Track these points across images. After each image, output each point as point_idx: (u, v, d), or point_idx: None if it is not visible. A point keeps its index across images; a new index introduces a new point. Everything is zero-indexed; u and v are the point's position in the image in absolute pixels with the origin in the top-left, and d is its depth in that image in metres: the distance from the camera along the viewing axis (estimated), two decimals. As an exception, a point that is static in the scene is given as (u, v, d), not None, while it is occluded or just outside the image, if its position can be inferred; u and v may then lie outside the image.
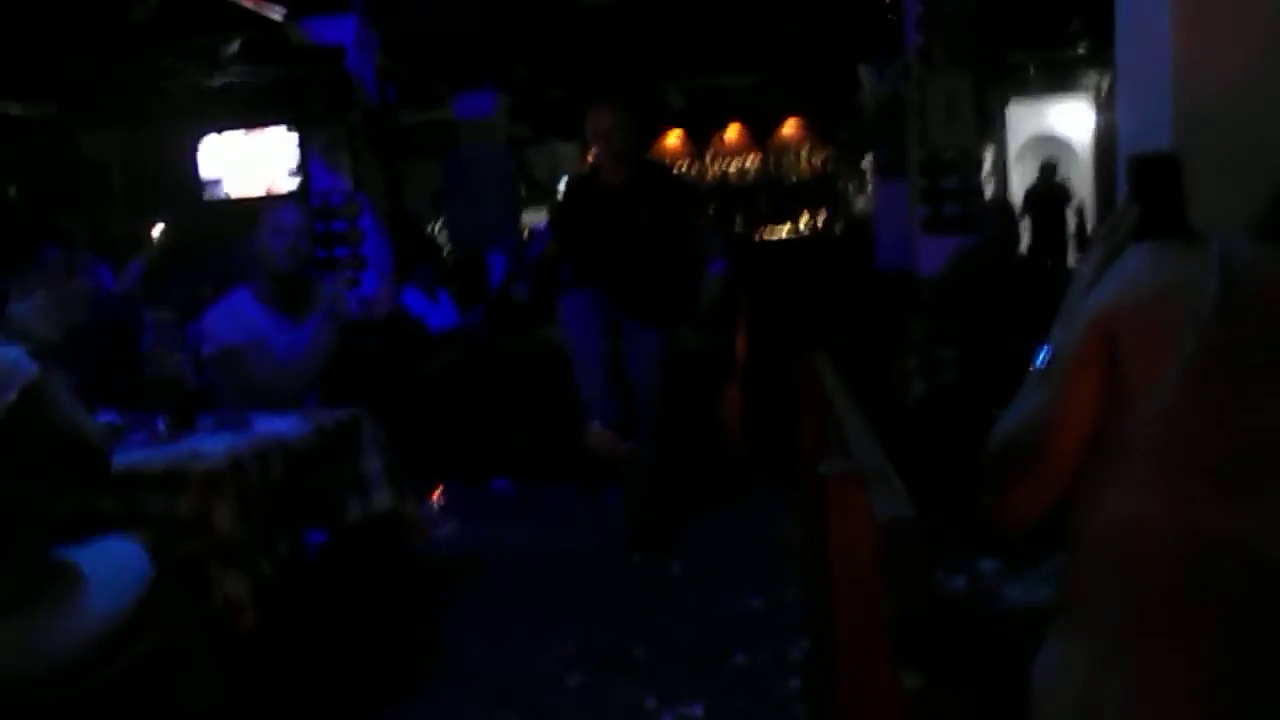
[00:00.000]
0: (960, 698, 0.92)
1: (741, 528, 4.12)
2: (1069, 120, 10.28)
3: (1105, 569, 1.05)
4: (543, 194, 12.44)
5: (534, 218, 11.61)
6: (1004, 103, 9.59)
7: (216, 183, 8.03)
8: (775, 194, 11.69)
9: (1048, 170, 9.54)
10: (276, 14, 5.94)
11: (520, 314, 5.71)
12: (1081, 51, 8.29)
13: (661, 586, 3.66)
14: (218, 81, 7.64)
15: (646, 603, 3.50)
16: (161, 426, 2.49)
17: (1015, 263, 4.63)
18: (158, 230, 5.28)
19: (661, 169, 7.01)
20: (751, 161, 11.79)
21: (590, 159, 4.02)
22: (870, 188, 9.06)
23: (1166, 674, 0.99)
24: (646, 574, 3.79)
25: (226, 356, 3.01)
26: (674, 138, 11.97)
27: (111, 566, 1.98)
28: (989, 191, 9.07)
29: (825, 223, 10.46)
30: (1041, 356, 1.21)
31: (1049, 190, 9.47)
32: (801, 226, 10.42)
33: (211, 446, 2.32)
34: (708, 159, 12.00)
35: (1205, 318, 0.96)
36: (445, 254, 9.28)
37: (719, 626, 3.23)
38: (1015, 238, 4.84)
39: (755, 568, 3.64)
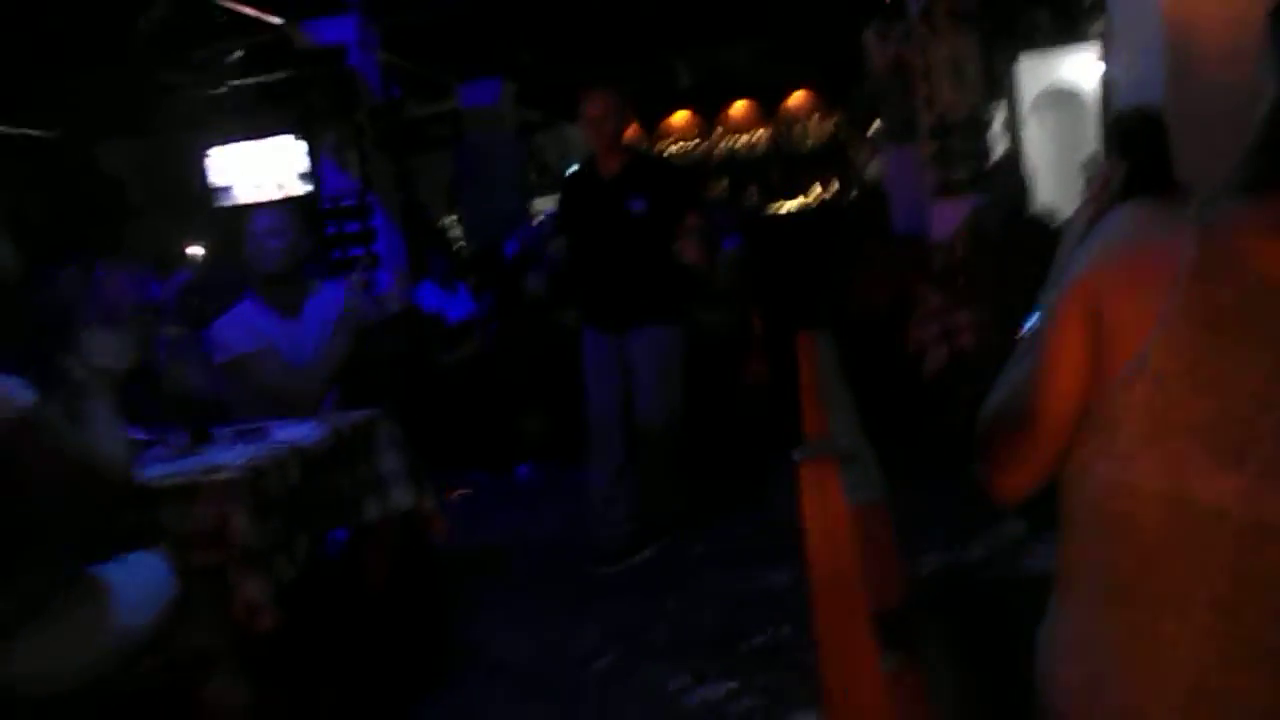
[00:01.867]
0: (949, 678, 0.92)
1: (761, 504, 4.13)
2: (1082, 71, 10.09)
3: (1097, 536, 1.04)
4: (553, 179, 12.44)
5: (545, 203, 11.62)
6: (1014, 58, 9.43)
7: (228, 190, 8.08)
8: (786, 166, 11.62)
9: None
10: (277, 19, 5.97)
11: (533, 303, 5.73)
12: (1092, -1, 8.13)
13: (683, 568, 3.69)
14: (223, 89, 7.69)
15: (669, 584, 3.53)
16: (180, 440, 2.53)
17: (1028, 221, 4.58)
18: (194, 248, 5.34)
19: (655, 158, 6.91)
20: (760, 135, 11.72)
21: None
22: (881, 154, 8.97)
23: (1160, 640, 0.99)
24: (668, 556, 3.81)
25: (239, 365, 3.04)
26: (681, 116, 11.91)
27: (137, 580, 2.02)
28: (1003, 150, 8.95)
29: (838, 192, 10.38)
30: (1031, 322, 1.20)
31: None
32: (813, 197, 10.35)
33: (229, 458, 2.35)
34: (716, 135, 11.94)
35: (1183, 280, 0.94)
36: (460, 245, 9.31)
37: (742, 605, 3.25)
38: (1025, 197, 4.77)
39: (775, 544, 3.65)
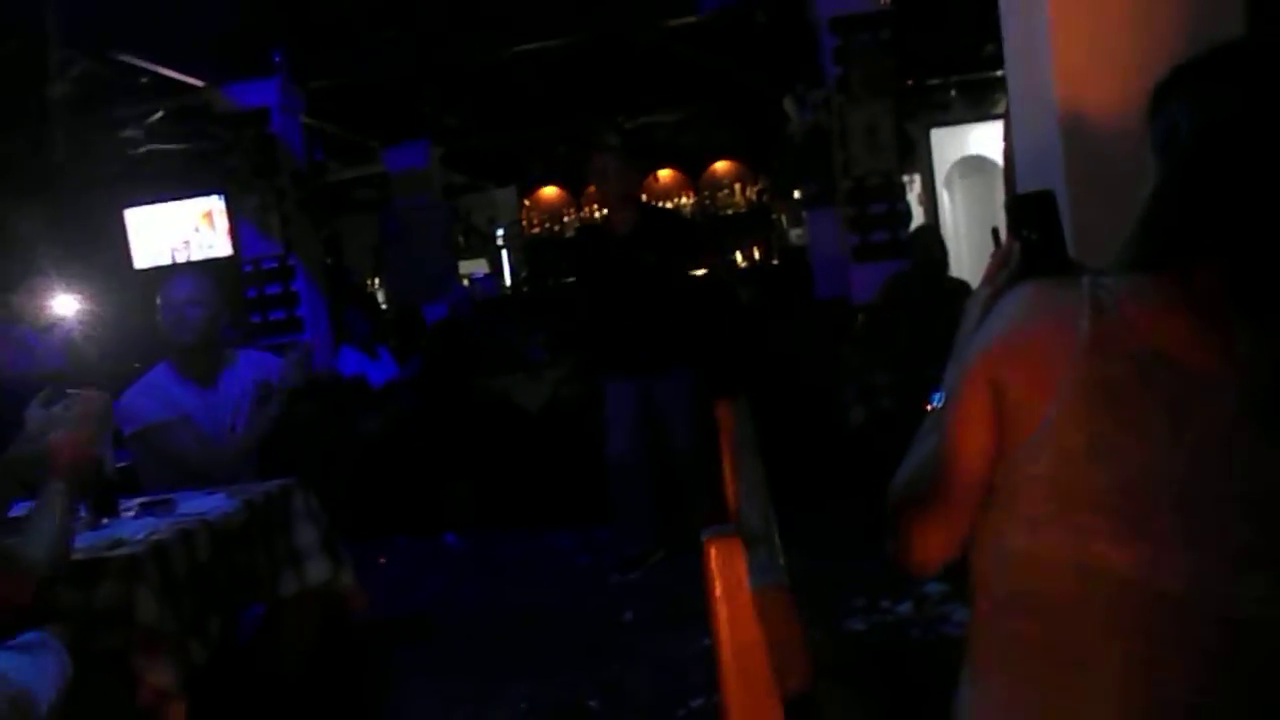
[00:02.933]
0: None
1: (689, 569, 4.11)
2: (991, 142, 10.51)
3: (1007, 605, 1.06)
4: (482, 242, 12.45)
5: (473, 266, 11.60)
6: (927, 128, 9.79)
7: (145, 252, 7.93)
8: (711, 229, 11.80)
9: None
10: (198, 81, 5.92)
11: (459, 357, 5.71)
12: (999, 74, 8.51)
13: (614, 634, 3.64)
14: (142, 150, 7.57)
15: (600, 652, 3.47)
16: (82, 513, 2.43)
17: (945, 286, 4.71)
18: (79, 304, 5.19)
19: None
20: (686, 199, 11.92)
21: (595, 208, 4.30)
22: (803, 218, 9.18)
23: (1073, 703, 1.00)
24: (598, 623, 3.76)
25: (149, 435, 2.95)
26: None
27: (29, 665, 1.92)
28: (920, 217, 9.23)
29: (762, 255, 10.57)
30: (937, 398, 1.22)
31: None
32: (739, 260, 10.52)
33: (133, 531, 2.26)
34: (642, 199, 12.07)
35: (1079, 355, 0.97)
36: (384, 308, 9.23)
37: (675, 671, 3.21)
38: (943, 262, 4.92)
39: (705, 608, 3.63)
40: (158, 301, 3.11)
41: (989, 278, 1.24)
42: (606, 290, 4.03)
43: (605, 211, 4.12)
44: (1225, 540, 0.94)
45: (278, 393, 3.10)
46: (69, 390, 2.08)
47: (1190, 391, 0.95)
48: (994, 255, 1.27)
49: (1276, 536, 0.94)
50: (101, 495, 2.48)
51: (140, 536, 2.20)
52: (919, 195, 9.76)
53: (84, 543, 2.24)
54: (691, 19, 6.15)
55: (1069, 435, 0.97)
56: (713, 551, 0.81)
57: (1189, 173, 0.97)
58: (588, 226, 3.63)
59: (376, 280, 10.99)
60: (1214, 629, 0.95)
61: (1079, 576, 0.98)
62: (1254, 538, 0.94)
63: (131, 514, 2.48)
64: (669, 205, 11.77)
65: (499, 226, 12.46)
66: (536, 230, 12.18)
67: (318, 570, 2.76)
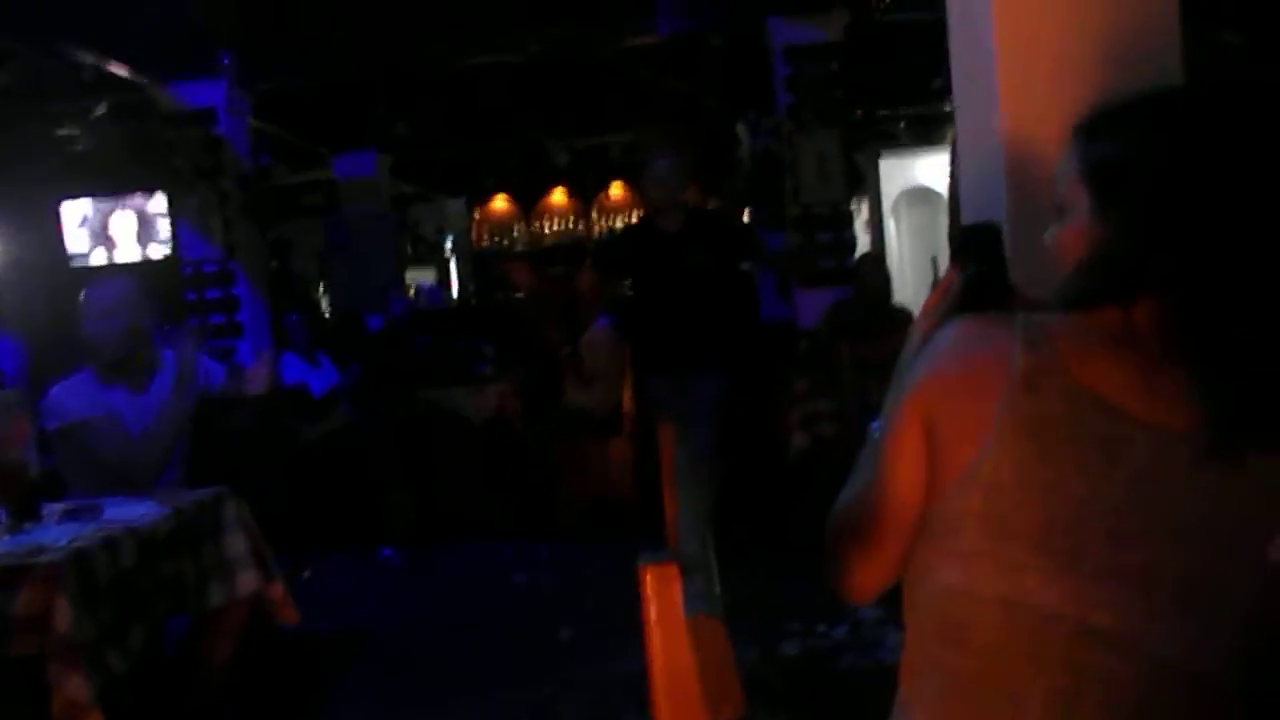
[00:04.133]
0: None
1: (628, 584, 4.09)
2: (937, 173, 10.72)
3: (937, 637, 1.07)
4: (430, 251, 12.35)
5: (419, 275, 11.50)
6: (876, 157, 9.95)
7: (84, 251, 7.74)
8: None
9: None
10: (143, 78, 5.79)
11: (399, 367, 5.65)
12: (947, 108, 8.69)
13: (550, 654, 3.60)
14: (82, 146, 7.40)
15: (535, 672, 3.44)
16: (1, 518, 2.35)
17: (888, 314, 4.77)
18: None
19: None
20: (637, 217, 11.92)
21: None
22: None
23: None
24: (534, 642, 3.73)
25: (74, 432, 2.86)
26: (558, 197, 12.04)
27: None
28: (866, 244, 9.36)
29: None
30: (876, 425, 1.23)
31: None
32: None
33: (55, 537, 2.19)
34: (594, 215, 12.10)
35: (1012, 390, 0.98)
36: (326, 316, 9.10)
37: (609, 692, 3.19)
38: (887, 290, 4.98)
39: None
40: (80, 308, 3.01)
41: (928, 309, 1.25)
42: (653, 288, 4.02)
43: (649, 212, 4.16)
44: (1157, 578, 0.95)
45: (180, 383, 3.02)
46: None
47: (1123, 430, 0.95)
48: (934, 286, 1.28)
49: (1208, 578, 0.95)
50: (23, 499, 2.40)
51: (62, 543, 2.13)
52: (865, 222, 9.90)
53: (3, 548, 2.17)
54: (649, 39, 6.18)
55: (1000, 470, 0.98)
56: (648, 578, 0.81)
57: (1136, 216, 0.98)
58: (631, 225, 3.67)
59: (322, 286, 10.84)
60: (1138, 667, 0.96)
61: (1007, 611, 0.99)
62: (1185, 576, 0.95)
63: (54, 519, 2.40)
64: (619, 222, 11.80)
65: (447, 237, 12.39)
66: (485, 243, 12.12)
67: (247, 581, 2.69)
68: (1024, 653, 0.98)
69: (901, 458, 1.06)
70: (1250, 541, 0.95)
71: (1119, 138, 1.02)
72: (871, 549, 1.11)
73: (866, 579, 1.14)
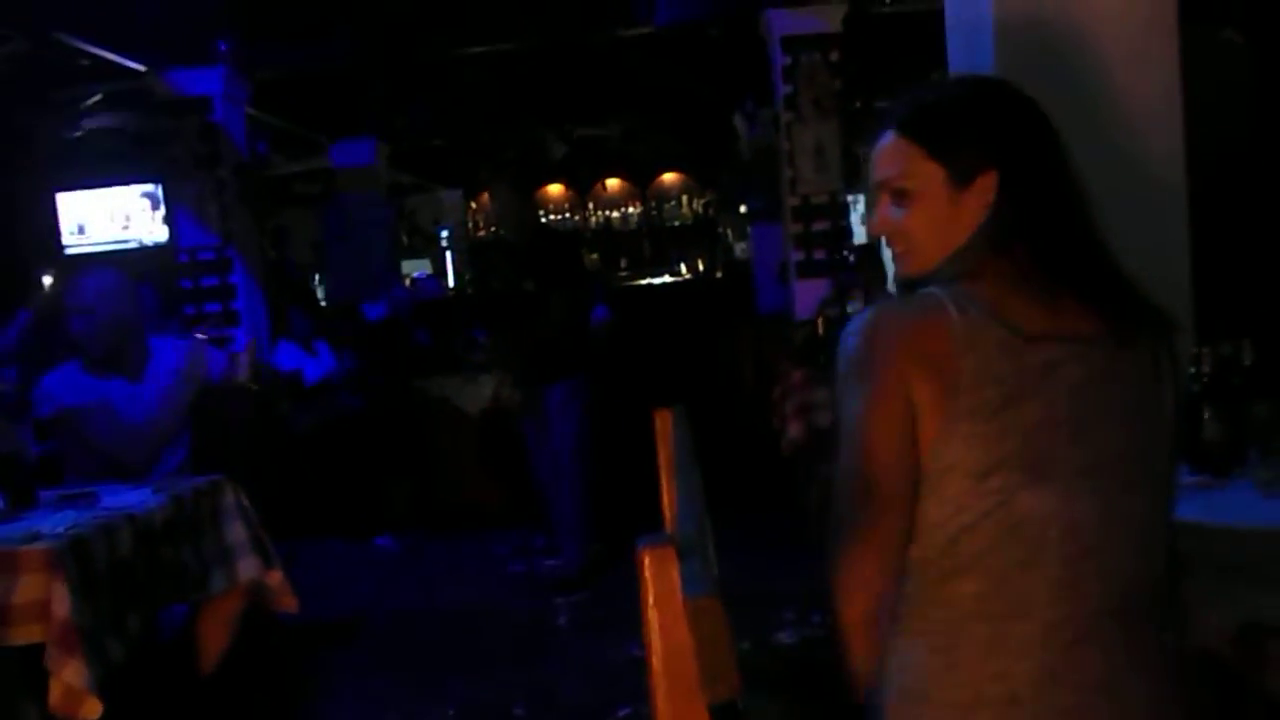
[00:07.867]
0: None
1: (625, 569, 4.11)
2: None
3: (938, 578, 1.15)
4: (426, 242, 12.33)
5: (416, 266, 11.49)
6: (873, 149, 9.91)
7: (81, 237, 7.73)
8: (657, 239, 11.85)
9: None
10: (140, 65, 5.77)
11: (397, 357, 5.65)
12: (943, 99, 8.67)
13: (546, 639, 3.63)
14: (79, 133, 7.37)
15: (530, 657, 3.46)
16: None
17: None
18: (47, 282, 5.01)
19: (552, 231, 7.44)
20: (634, 209, 11.95)
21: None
22: (749, 232, 9.26)
23: (1007, 646, 1.11)
24: (530, 627, 3.75)
25: (66, 419, 2.87)
26: (555, 188, 12.04)
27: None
28: (862, 236, 9.35)
29: (706, 267, 10.63)
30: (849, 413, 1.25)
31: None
32: (683, 271, 10.57)
33: (52, 524, 2.20)
34: (590, 207, 12.10)
35: (959, 348, 1.12)
36: (323, 305, 9.08)
37: (604, 678, 3.21)
38: (883, 279, 4.99)
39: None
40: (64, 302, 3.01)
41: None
42: (499, 301, 4.38)
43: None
44: (1112, 460, 1.14)
45: (185, 382, 3.04)
46: None
47: (1052, 353, 1.14)
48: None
49: (1144, 447, 1.17)
50: (19, 485, 2.41)
51: (60, 530, 2.14)
52: (862, 215, 9.89)
53: (0, 534, 2.18)
54: (646, 29, 6.16)
55: (972, 420, 1.11)
56: (647, 559, 0.82)
57: (1025, 188, 1.19)
58: (489, 239, 3.97)
59: (319, 275, 10.82)
60: (1123, 543, 1.14)
61: (1003, 527, 1.11)
62: (1127, 450, 1.15)
63: (51, 506, 2.41)
64: (614, 214, 11.80)
65: (444, 228, 12.38)
66: (482, 234, 12.11)
67: (247, 568, 2.71)
68: (1022, 559, 1.11)
69: (883, 428, 1.14)
70: (1158, 402, 1.20)
71: (1007, 132, 1.21)
72: (868, 539, 1.15)
73: (866, 565, 1.16)
